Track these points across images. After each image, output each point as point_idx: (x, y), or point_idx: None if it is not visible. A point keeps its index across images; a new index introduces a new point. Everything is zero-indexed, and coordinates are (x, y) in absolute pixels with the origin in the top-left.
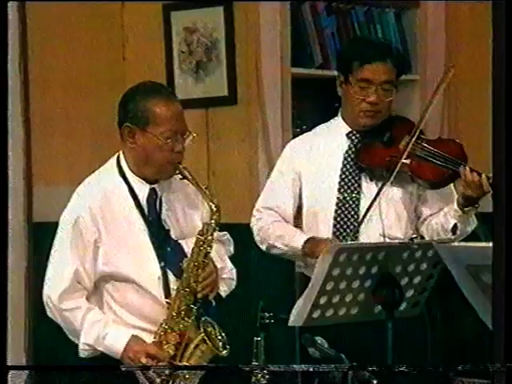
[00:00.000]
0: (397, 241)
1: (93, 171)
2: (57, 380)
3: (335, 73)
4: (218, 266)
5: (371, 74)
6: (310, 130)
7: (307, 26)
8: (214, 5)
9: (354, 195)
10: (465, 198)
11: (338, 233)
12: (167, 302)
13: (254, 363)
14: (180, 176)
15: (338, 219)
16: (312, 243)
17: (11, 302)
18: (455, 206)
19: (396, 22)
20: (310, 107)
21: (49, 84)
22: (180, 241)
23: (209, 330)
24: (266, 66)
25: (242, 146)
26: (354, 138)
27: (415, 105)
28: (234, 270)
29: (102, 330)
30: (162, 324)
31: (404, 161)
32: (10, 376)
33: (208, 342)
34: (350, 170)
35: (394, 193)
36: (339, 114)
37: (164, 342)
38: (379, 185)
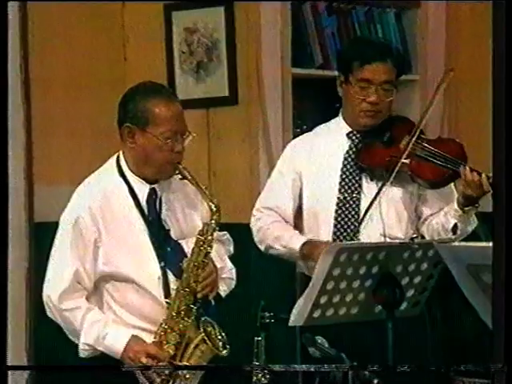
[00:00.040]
0: (397, 241)
1: (94, 171)
2: (58, 380)
3: (336, 73)
4: (218, 266)
5: (371, 74)
6: (310, 130)
7: (308, 26)
8: (214, 5)
9: (354, 195)
10: (465, 198)
11: (338, 233)
12: (167, 302)
13: (254, 363)
14: (180, 176)
15: (339, 219)
16: (310, 246)
17: (12, 302)
18: (455, 205)
19: (396, 22)
20: (311, 107)
21: (50, 84)
22: (180, 241)
23: (209, 329)
24: (266, 66)
25: (243, 146)
26: (354, 138)
27: (415, 105)
28: (234, 270)
29: (102, 330)
30: (161, 324)
31: (404, 160)
32: (11, 376)
33: (208, 341)
34: (351, 170)
35: (394, 193)
36: (340, 114)
37: (164, 342)
38: (379, 185)
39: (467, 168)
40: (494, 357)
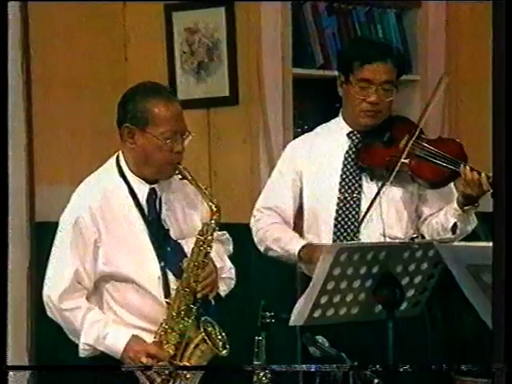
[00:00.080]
0: (397, 240)
1: (94, 171)
2: (59, 379)
3: (336, 73)
4: (218, 266)
5: (372, 74)
6: (311, 130)
7: (308, 26)
8: (215, 5)
9: (354, 195)
10: (464, 197)
11: (338, 233)
12: (167, 302)
13: (255, 362)
14: (180, 176)
15: (339, 219)
16: (309, 249)
17: (13, 302)
18: (455, 205)
19: (397, 22)
20: (311, 107)
21: (51, 84)
22: (180, 241)
23: (209, 329)
24: (267, 66)
25: (244, 146)
26: (354, 138)
27: (416, 105)
28: (234, 270)
29: (103, 330)
30: (162, 324)
31: (404, 160)
32: (12, 376)
33: (208, 341)
34: (351, 170)
35: (394, 192)
36: (340, 114)
37: (164, 342)
38: (380, 185)
39: (467, 167)
40: (493, 356)
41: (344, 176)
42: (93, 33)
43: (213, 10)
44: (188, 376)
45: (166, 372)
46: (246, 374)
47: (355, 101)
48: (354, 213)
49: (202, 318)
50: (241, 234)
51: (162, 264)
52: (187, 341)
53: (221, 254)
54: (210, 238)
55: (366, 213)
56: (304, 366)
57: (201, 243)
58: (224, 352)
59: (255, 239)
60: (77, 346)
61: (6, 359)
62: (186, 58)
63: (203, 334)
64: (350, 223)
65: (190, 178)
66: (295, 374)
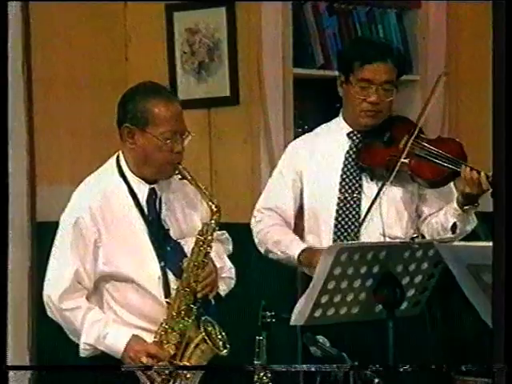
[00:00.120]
0: (398, 240)
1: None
2: (61, 379)
3: (336, 73)
4: (218, 266)
5: (372, 74)
6: (311, 130)
7: (309, 27)
8: (216, 5)
9: (354, 195)
10: (464, 197)
11: (339, 233)
12: (167, 302)
13: (256, 362)
14: (179, 176)
15: (339, 219)
16: (308, 253)
17: (14, 302)
18: (455, 204)
19: (397, 22)
20: (312, 107)
21: (51, 84)
22: (180, 240)
23: (209, 329)
24: (267, 66)
25: (244, 146)
26: (354, 138)
27: (416, 105)
28: (233, 269)
29: (103, 330)
30: (162, 324)
31: (403, 160)
32: (13, 375)
33: (208, 341)
34: (351, 170)
35: (394, 192)
36: (340, 114)
37: (164, 342)
38: (380, 185)
39: (466, 167)
40: (493, 356)
41: (344, 176)
42: (93, 33)
43: (214, 10)
44: (188, 376)
45: (166, 372)
46: (247, 373)
47: (355, 101)
48: (354, 213)
49: (202, 318)
50: (241, 234)
51: (162, 264)
52: (187, 340)
53: (220, 254)
54: (209, 237)
55: (367, 213)
56: (304, 366)
57: (201, 243)
58: (224, 352)
59: (256, 240)
60: (77, 345)
61: (6, 359)
62: (186, 58)
63: (203, 333)
64: (350, 223)
65: (189, 177)
66: (296, 373)
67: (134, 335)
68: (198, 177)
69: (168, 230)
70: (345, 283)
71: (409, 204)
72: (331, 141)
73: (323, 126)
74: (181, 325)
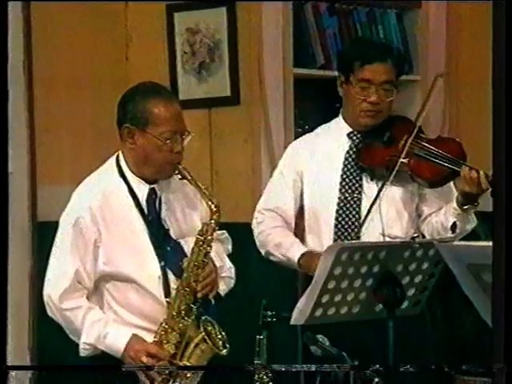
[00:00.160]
0: (398, 240)
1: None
2: (62, 379)
3: (337, 73)
4: (217, 265)
5: (372, 74)
6: (312, 130)
7: (309, 27)
8: (216, 6)
9: (355, 195)
10: (464, 196)
11: (339, 233)
12: (167, 302)
13: (256, 361)
14: (179, 176)
15: (340, 219)
16: (308, 257)
17: (15, 301)
18: (454, 204)
19: (397, 22)
20: (312, 107)
21: (52, 84)
22: (180, 240)
23: (209, 329)
24: (268, 66)
25: (245, 146)
26: (354, 138)
27: (416, 105)
28: (233, 269)
29: (103, 330)
30: (162, 323)
31: (402, 160)
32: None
33: (208, 341)
34: (351, 170)
35: (394, 192)
36: (340, 115)
37: (164, 341)
38: (380, 185)
39: (466, 166)
40: (493, 355)
41: (344, 176)
42: (94, 33)
43: (214, 10)
44: (188, 375)
45: (167, 371)
46: (247, 373)
47: (355, 101)
48: (354, 213)
49: (202, 318)
50: (242, 234)
51: (162, 264)
52: (187, 340)
53: (220, 254)
54: (209, 237)
55: (368, 213)
56: (304, 366)
57: (201, 243)
58: (224, 351)
59: (257, 242)
60: (77, 345)
61: (6, 359)
62: (187, 59)
63: (203, 333)
64: (350, 223)
65: (189, 177)
66: (296, 372)
67: (134, 335)
68: (198, 177)
69: (168, 229)
70: (345, 283)
71: (409, 204)
72: (331, 141)
73: (323, 126)
74: (181, 324)
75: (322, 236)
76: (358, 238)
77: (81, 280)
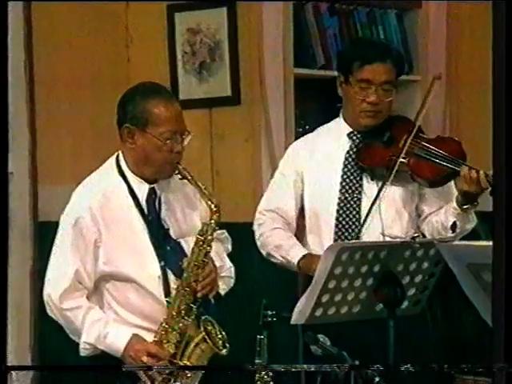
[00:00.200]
0: (398, 240)
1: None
2: (63, 378)
3: (337, 73)
4: (217, 265)
5: (371, 74)
6: (312, 130)
7: (310, 27)
8: (217, 6)
9: (355, 195)
10: (463, 196)
11: (339, 233)
12: (167, 301)
13: (257, 361)
14: (179, 176)
15: (340, 219)
16: (308, 259)
17: (16, 301)
18: (454, 204)
19: (398, 22)
20: (313, 107)
21: (53, 84)
22: (179, 240)
23: (209, 328)
24: (268, 66)
25: (245, 146)
26: (355, 138)
27: (416, 105)
28: (233, 268)
29: (103, 329)
30: (162, 323)
31: (402, 160)
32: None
33: (208, 340)
34: (352, 171)
35: (394, 192)
36: (340, 115)
37: (164, 341)
38: (380, 185)
39: (465, 166)
40: (493, 355)
41: (345, 176)
42: (95, 33)
43: (215, 10)
44: (189, 375)
45: (167, 371)
46: (247, 372)
47: (355, 101)
48: (354, 213)
49: (202, 317)
50: (243, 234)
51: (162, 263)
52: (187, 340)
53: (220, 253)
54: (209, 237)
55: (368, 213)
56: (305, 365)
57: (201, 243)
58: (224, 351)
59: (258, 243)
60: (78, 344)
61: (6, 359)
62: (187, 59)
63: (203, 333)
64: (351, 223)
65: (189, 177)
66: (297, 372)
67: (134, 334)
68: (199, 176)
69: (168, 229)
70: (346, 282)
71: (409, 203)
72: (331, 141)
73: (323, 126)
74: (181, 324)
75: (322, 236)
76: (359, 237)
77: (81, 280)
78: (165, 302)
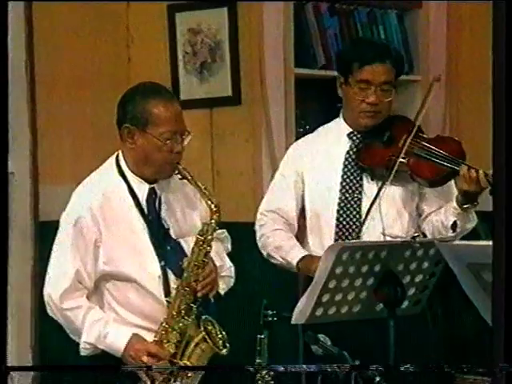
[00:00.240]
0: (399, 239)
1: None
2: (64, 378)
3: (336, 74)
4: (217, 265)
5: (371, 74)
6: (313, 130)
7: (310, 27)
8: (218, 6)
9: (355, 195)
10: (463, 195)
11: (340, 233)
12: (167, 301)
13: (257, 361)
14: (179, 176)
15: (341, 219)
16: (307, 260)
17: (17, 301)
18: (454, 203)
19: (398, 23)
20: (313, 107)
21: (54, 84)
22: (180, 240)
23: (209, 328)
24: (269, 66)
25: (246, 146)
26: (355, 138)
27: (417, 105)
28: (233, 268)
29: (103, 329)
30: (162, 323)
31: (402, 160)
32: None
33: (208, 340)
34: (352, 171)
35: (394, 192)
36: (340, 115)
37: (165, 341)
38: (380, 184)
39: (465, 165)
40: (494, 355)
41: (345, 176)
42: (96, 33)
43: (215, 10)
44: (189, 374)
45: (167, 371)
46: (248, 372)
47: (355, 102)
48: (355, 213)
49: (203, 317)
50: (243, 233)
51: (163, 263)
52: (187, 339)
53: (220, 253)
54: (209, 237)
55: (368, 213)
56: (305, 366)
57: (201, 243)
58: (224, 351)
59: (258, 244)
60: (78, 344)
61: (6, 360)
62: (188, 59)
63: (203, 332)
64: (351, 223)
65: (189, 177)
66: (297, 372)
67: (134, 334)
68: (199, 177)
69: (168, 229)
70: (346, 282)
71: (409, 203)
72: (332, 141)
73: (324, 126)
74: (181, 324)
75: (322, 236)
76: (359, 237)
77: (81, 280)
78: (165, 302)
